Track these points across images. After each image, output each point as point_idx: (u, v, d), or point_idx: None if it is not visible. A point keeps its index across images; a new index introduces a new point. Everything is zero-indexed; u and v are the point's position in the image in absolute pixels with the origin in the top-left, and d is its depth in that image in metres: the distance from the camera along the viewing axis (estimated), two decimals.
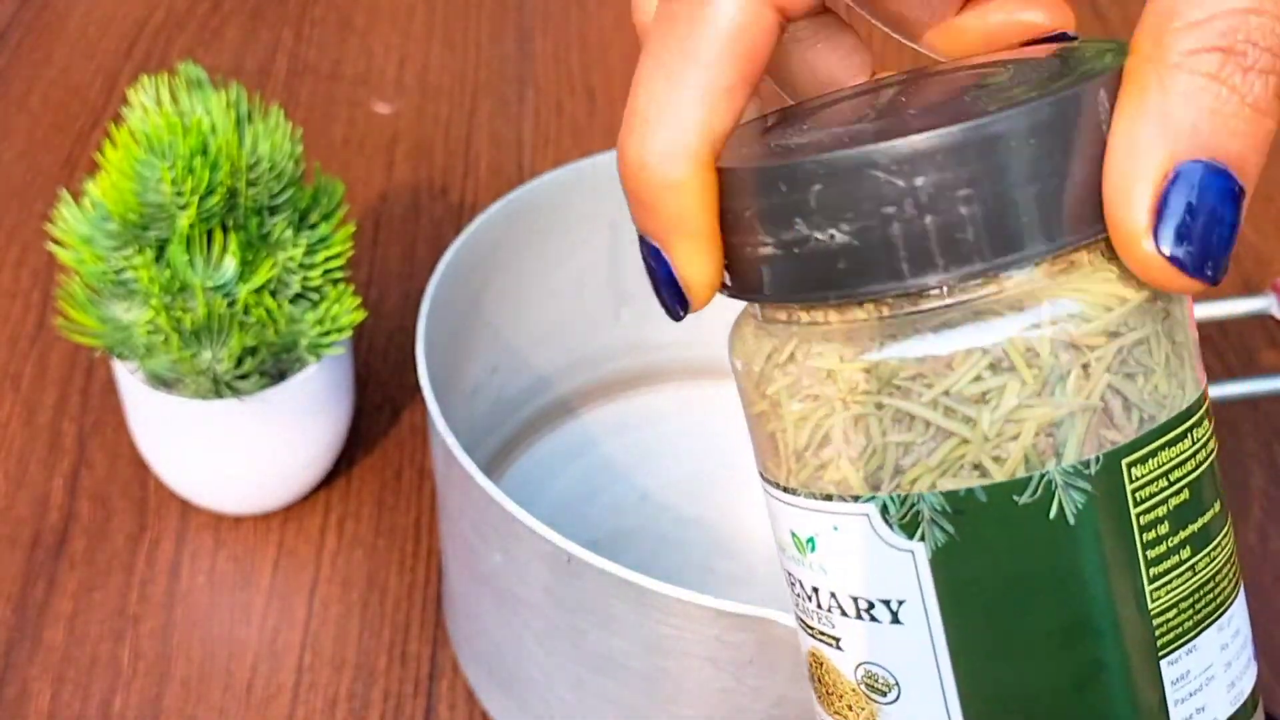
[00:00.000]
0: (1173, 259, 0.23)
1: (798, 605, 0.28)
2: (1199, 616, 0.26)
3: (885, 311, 0.25)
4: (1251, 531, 0.63)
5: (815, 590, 0.27)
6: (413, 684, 0.56)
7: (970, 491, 0.24)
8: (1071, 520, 0.24)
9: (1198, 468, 0.26)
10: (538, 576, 0.47)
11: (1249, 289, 0.74)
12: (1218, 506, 0.26)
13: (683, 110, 0.25)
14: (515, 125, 0.85)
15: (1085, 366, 0.24)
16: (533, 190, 0.59)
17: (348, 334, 0.57)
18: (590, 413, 0.66)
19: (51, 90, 0.87)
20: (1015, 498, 0.24)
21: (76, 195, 0.55)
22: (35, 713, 0.55)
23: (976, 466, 0.24)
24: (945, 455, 0.25)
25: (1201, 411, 0.26)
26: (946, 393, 0.24)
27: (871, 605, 0.26)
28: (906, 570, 0.25)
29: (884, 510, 0.25)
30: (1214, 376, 0.69)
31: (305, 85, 0.88)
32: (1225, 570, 0.26)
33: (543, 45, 0.93)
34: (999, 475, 0.24)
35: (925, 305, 0.25)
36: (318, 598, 0.59)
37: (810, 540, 0.27)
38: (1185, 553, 0.25)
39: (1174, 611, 0.25)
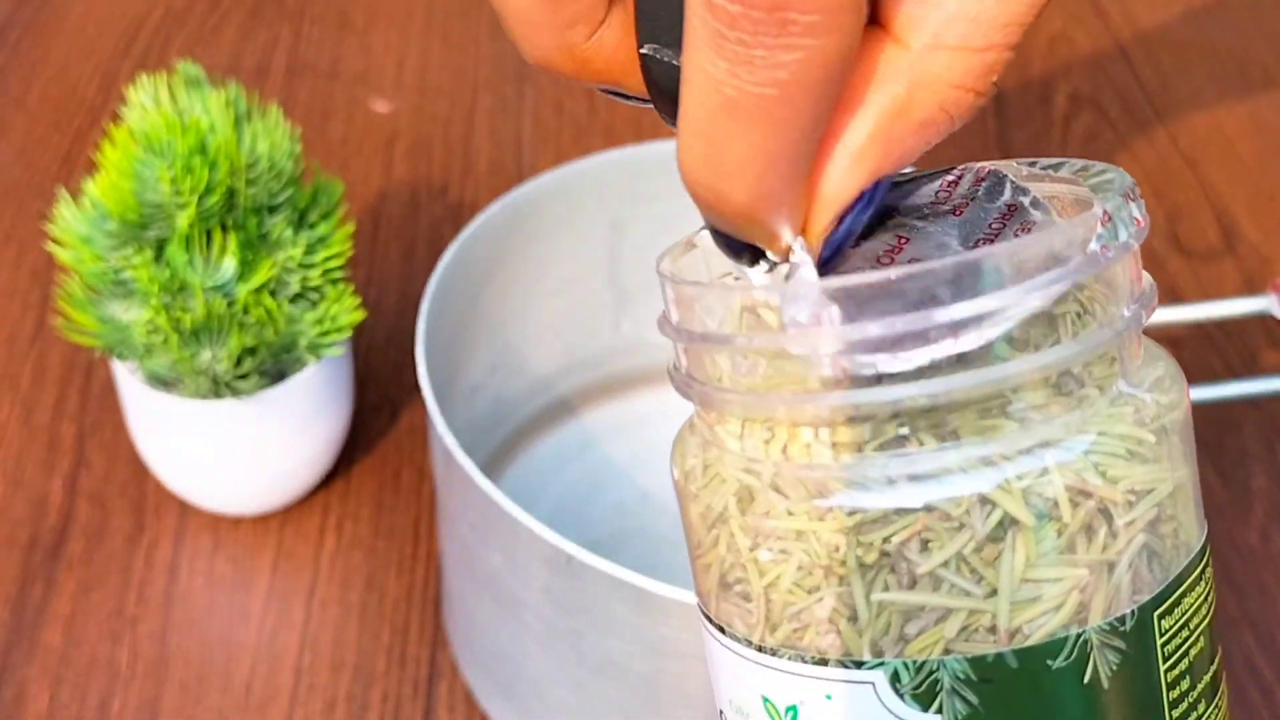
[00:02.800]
0: None
1: None
2: None
3: (852, 455, 0.22)
4: (1253, 532, 0.63)
5: None
6: (412, 686, 0.56)
7: (1000, 657, 0.22)
8: (1105, 683, 0.22)
9: (1209, 610, 0.24)
10: (538, 578, 0.47)
11: (1250, 289, 0.74)
12: (1219, 650, 0.25)
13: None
14: (515, 124, 0.85)
15: (1107, 516, 0.22)
16: (532, 189, 0.59)
17: (347, 334, 0.57)
18: (590, 413, 0.66)
19: (50, 88, 0.87)
20: (1049, 662, 0.22)
21: (75, 194, 0.54)
22: (33, 715, 0.54)
23: (992, 629, 0.22)
24: (963, 622, 0.22)
25: (1209, 549, 0.24)
26: (959, 555, 0.22)
27: None
28: None
29: (894, 678, 0.22)
30: (1215, 377, 0.69)
31: (304, 84, 0.88)
32: None
33: None
34: (1030, 638, 0.22)
35: (906, 449, 0.22)
36: (316, 599, 0.59)
37: (791, 709, 0.23)
38: (1202, 706, 0.24)
39: None
